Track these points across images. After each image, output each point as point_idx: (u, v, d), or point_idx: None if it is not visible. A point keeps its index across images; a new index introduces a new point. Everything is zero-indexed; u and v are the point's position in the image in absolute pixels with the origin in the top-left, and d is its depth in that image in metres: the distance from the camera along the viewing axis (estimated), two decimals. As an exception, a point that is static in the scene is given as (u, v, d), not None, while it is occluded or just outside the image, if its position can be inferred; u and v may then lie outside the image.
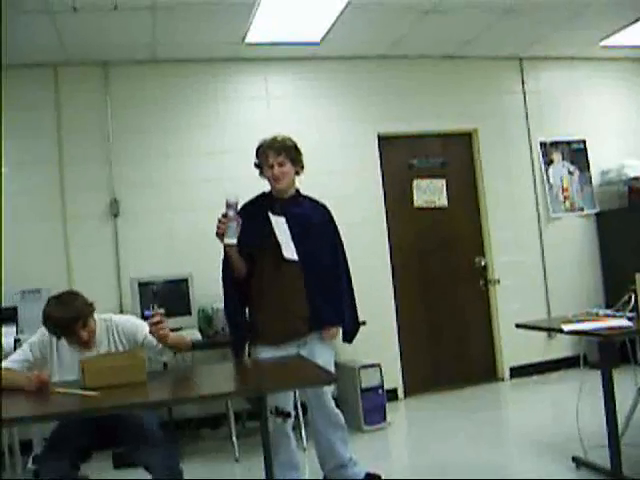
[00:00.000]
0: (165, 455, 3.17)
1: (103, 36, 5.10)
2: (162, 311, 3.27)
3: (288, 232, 3.63)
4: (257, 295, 3.66)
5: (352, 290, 3.89)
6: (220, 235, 3.46)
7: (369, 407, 5.22)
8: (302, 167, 3.76)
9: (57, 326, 3.22)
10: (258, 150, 3.72)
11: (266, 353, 3.58)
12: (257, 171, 3.75)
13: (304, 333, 3.64)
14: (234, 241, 3.45)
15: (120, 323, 3.46)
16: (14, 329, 4.71)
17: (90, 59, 5.50)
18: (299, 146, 3.76)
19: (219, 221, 3.44)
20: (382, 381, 5.30)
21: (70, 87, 5.53)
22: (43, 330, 3.33)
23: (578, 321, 3.78)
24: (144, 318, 3.72)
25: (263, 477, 3.02)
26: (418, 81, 6.33)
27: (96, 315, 3.37)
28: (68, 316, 3.19)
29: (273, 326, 3.60)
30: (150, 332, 3.27)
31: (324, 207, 3.89)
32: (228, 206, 3.43)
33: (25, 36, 4.90)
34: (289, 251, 3.59)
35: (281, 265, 3.60)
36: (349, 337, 3.85)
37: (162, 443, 3.20)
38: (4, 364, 3.27)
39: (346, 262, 3.89)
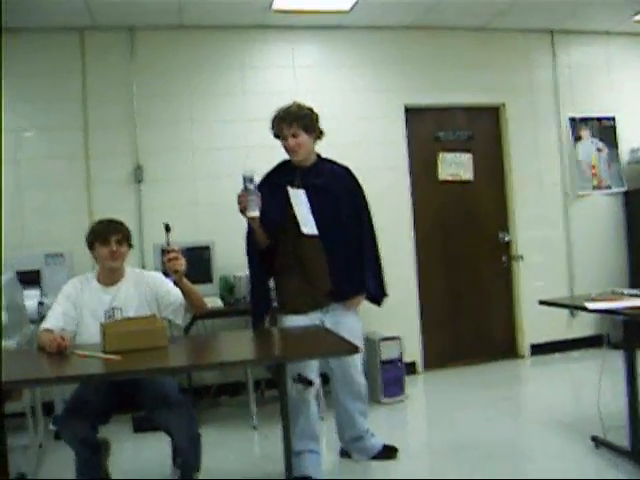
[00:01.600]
0: (185, 419, 3.22)
1: (130, 1, 5.07)
2: (177, 248, 3.39)
3: (308, 206, 3.59)
4: (280, 269, 3.66)
5: (378, 256, 3.86)
6: (242, 210, 3.44)
7: (388, 379, 5.23)
8: (321, 132, 3.69)
9: (98, 229, 3.51)
10: (273, 121, 3.67)
11: (290, 321, 3.58)
12: None
13: (327, 304, 3.64)
14: (257, 213, 3.43)
15: (147, 272, 3.76)
16: (38, 292, 4.75)
17: (117, 24, 5.47)
18: (317, 112, 3.69)
19: (239, 197, 3.42)
20: (402, 354, 5.30)
21: (96, 52, 5.51)
22: (70, 281, 3.56)
23: (602, 300, 3.74)
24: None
25: (281, 445, 3.02)
26: (447, 53, 6.23)
27: (127, 266, 3.60)
28: (111, 222, 3.54)
29: (296, 299, 3.60)
30: (165, 268, 3.42)
31: (347, 171, 3.83)
32: (246, 180, 3.42)
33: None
34: (308, 226, 3.56)
35: (302, 239, 3.57)
36: (377, 302, 3.87)
37: (182, 407, 3.24)
38: (43, 324, 3.37)
39: (372, 227, 3.86)
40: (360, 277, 3.72)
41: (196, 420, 3.37)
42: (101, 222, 3.60)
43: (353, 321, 3.71)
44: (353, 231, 3.74)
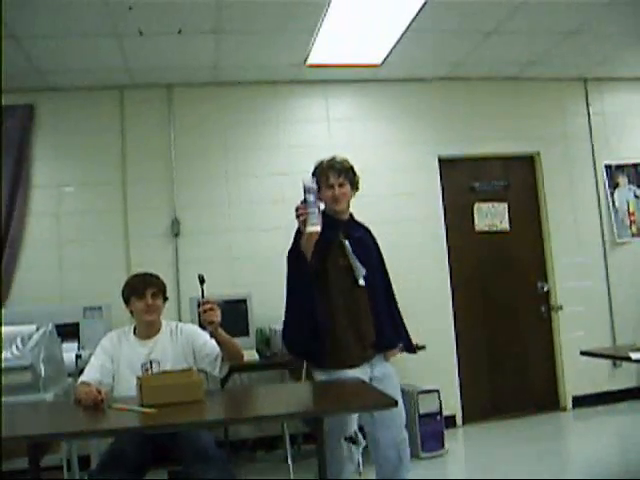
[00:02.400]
0: (223, 473, 3.17)
1: (167, 59, 5.22)
2: (212, 299, 3.35)
3: (354, 257, 3.58)
4: (327, 319, 3.46)
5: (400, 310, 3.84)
6: (302, 223, 3.24)
7: (427, 433, 5.13)
8: (357, 189, 3.71)
9: (134, 283, 3.55)
10: (316, 170, 3.68)
11: (334, 376, 3.50)
12: None
13: (370, 356, 3.58)
14: (318, 228, 3.19)
15: (183, 325, 3.72)
16: (76, 345, 4.79)
17: (154, 81, 5.62)
18: (356, 168, 3.73)
19: (297, 209, 3.23)
20: (441, 407, 5.21)
21: (134, 109, 5.66)
22: (108, 335, 3.61)
23: (647, 349, 3.65)
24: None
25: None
26: (479, 103, 6.26)
27: (163, 320, 3.63)
28: (147, 275, 3.59)
29: (350, 352, 3.48)
30: (201, 320, 3.36)
31: (370, 231, 3.83)
32: (307, 191, 3.18)
33: (92, 59, 5.06)
34: (361, 277, 3.54)
35: (353, 290, 3.54)
36: (414, 351, 3.85)
37: (220, 461, 3.20)
38: (81, 378, 3.39)
39: (391, 284, 3.83)
40: (399, 328, 3.70)
41: (233, 475, 3.33)
42: (136, 276, 3.65)
43: (394, 373, 3.65)
44: (385, 284, 3.73)
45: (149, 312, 3.50)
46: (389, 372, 3.59)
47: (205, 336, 3.49)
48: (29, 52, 4.78)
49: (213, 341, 3.43)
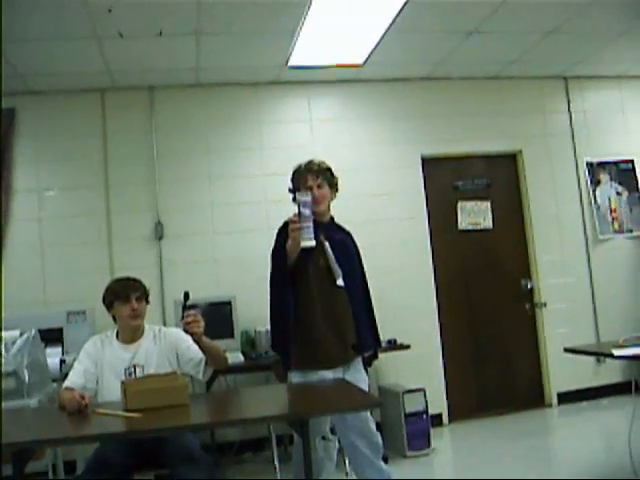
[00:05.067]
0: (209, 476, 3.17)
1: (148, 61, 5.20)
2: (194, 312, 3.33)
3: (334, 258, 3.59)
4: (305, 319, 3.48)
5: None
6: (294, 239, 3.23)
7: (413, 432, 5.13)
8: (336, 191, 3.72)
9: (117, 288, 3.52)
10: (295, 174, 3.68)
11: (319, 377, 3.50)
12: None
13: (350, 358, 3.59)
14: (313, 243, 3.19)
15: (166, 329, 3.69)
16: (60, 350, 4.76)
17: (136, 84, 5.59)
18: (338, 170, 3.72)
19: (291, 222, 3.22)
20: (426, 406, 5.21)
21: (116, 111, 5.63)
22: (91, 339, 3.58)
23: (629, 346, 3.67)
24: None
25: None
26: (462, 102, 6.29)
27: (146, 324, 3.59)
28: (130, 280, 3.56)
29: (330, 353, 3.50)
30: (184, 330, 3.34)
31: (350, 234, 3.84)
32: (302, 205, 3.17)
33: (73, 62, 5.03)
34: (340, 278, 3.55)
35: (332, 290, 3.54)
36: (377, 356, 3.87)
37: (206, 464, 3.20)
38: (65, 383, 3.37)
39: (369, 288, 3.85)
40: (375, 331, 3.72)
41: (220, 477, 3.33)
42: (119, 280, 3.63)
43: (366, 380, 3.66)
44: (363, 287, 3.75)
45: (134, 317, 3.48)
46: (362, 379, 3.59)
47: (188, 340, 3.47)
48: (9, 55, 4.73)
49: (196, 346, 3.42)
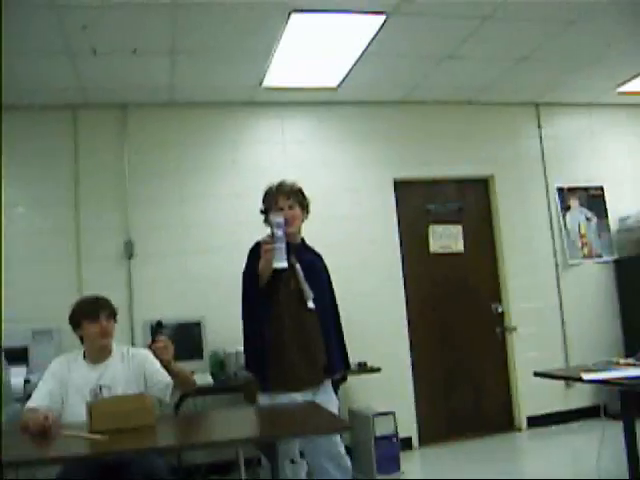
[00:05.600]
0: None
1: (122, 79, 5.17)
2: (164, 338, 3.34)
3: (304, 280, 3.57)
4: (276, 340, 3.46)
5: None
6: (266, 258, 3.21)
7: (383, 456, 5.09)
8: (308, 213, 3.71)
9: (85, 307, 3.45)
10: (266, 195, 3.67)
11: (288, 399, 3.47)
12: None
13: (321, 380, 3.56)
14: (285, 264, 3.18)
15: (134, 350, 3.62)
16: (24, 369, 4.66)
17: (109, 101, 5.55)
18: (311, 191, 3.72)
19: (264, 243, 3.22)
20: (396, 429, 5.18)
21: (88, 129, 5.58)
22: (57, 359, 3.51)
23: (598, 370, 3.69)
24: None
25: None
26: (434, 127, 6.34)
27: (114, 343, 3.53)
28: (99, 298, 3.49)
29: (299, 375, 3.47)
30: (154, 355, 3.34)
31: (320, 256, 3.83)
32: (275, 226, 3.16)
33: (45, 78, 4.99)
34: (310, 300, 3.53)
35: (302, 312, 3.52)
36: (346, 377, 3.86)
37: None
38: (28, 404, 3.30)
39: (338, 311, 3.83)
40: (345, 353, 3.70)
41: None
42: (87, 299, 3.57)
43: (336, 404, 3.64)
44: (333, 309, 3.75)
45: (104, 336, 3.42)
46: (332, 401, 3.57)
47: (156, 364, 3.43)
48: (-21, 70, 4.69)
49: (163, 369, 3.39)
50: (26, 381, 4.45)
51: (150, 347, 3.37)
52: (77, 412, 3.20)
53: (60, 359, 3.50)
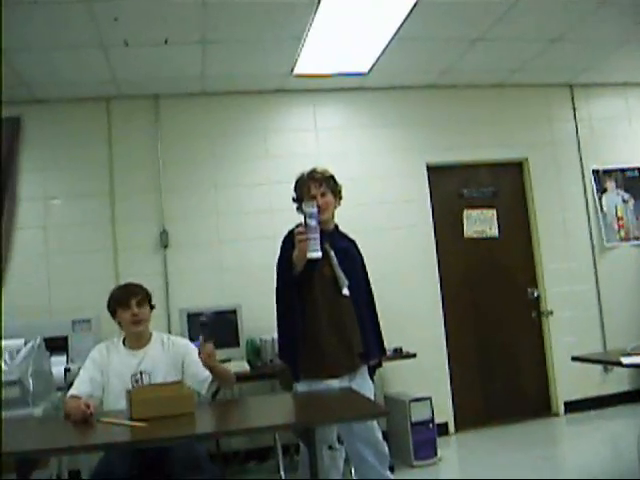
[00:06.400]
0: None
1: (154, 69, 5.20)
2: (211, 345, 3.33)
3: (339, 267, 3.57)
4: (312, 328, 3.47)
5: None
6: (301, 247, 3.21)
7: (419, 441, 5.11)
8: (340, 199, 3.70)
9: (117, 294, 3.53)
10: (298, 183, 3.67)
11: (325, 386, 3.49)
12: None
13: (357, 366, 3.57)
14: (319, 254, 3.17)
15: (175, 338, 3.69)
16: (64, 358, 4.75)
17: (141, 92, 5.60)
18: (343, 178, 3.72)
19: (298, 233, 3.22)
20: (433, 415, 5.18)
21: (122, 120, 5.63)
22: (97, 346, 3.58)
23: (637, 354, 3.65)
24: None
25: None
26: (467, 110, 6.27)
27: (153, 330, 3.60)
28: (130, 285, 3.57)
29: (336, 362, 3.48)
30: (203, 363, 3.35)
31: (355, 242, 3.83)
32: (308, 216, 3.16)
33: (78, 71, 5.04)
34: (345, 287, 3.53)
35: (337, 299, 3.53)
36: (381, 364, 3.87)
37: (212, 474, 3.18)
38: (70, 391, 3.37)
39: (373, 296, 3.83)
40: (381, 339, 3.71)
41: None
42: (119, 287, 3.64)
43: (371, 389, 3.65)
44: (368, 295, 3.75)
45: (136, 322, 3.47)
46: (368, 387, 3.58)
47: (195, 353, 3.47)
48: (15, 64, 4.75)
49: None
50: (66, 370, 4.53)
51: (199, 356, 3.39)
52: (118, 398, 3.26)
53: (100, 346, 3.56)
